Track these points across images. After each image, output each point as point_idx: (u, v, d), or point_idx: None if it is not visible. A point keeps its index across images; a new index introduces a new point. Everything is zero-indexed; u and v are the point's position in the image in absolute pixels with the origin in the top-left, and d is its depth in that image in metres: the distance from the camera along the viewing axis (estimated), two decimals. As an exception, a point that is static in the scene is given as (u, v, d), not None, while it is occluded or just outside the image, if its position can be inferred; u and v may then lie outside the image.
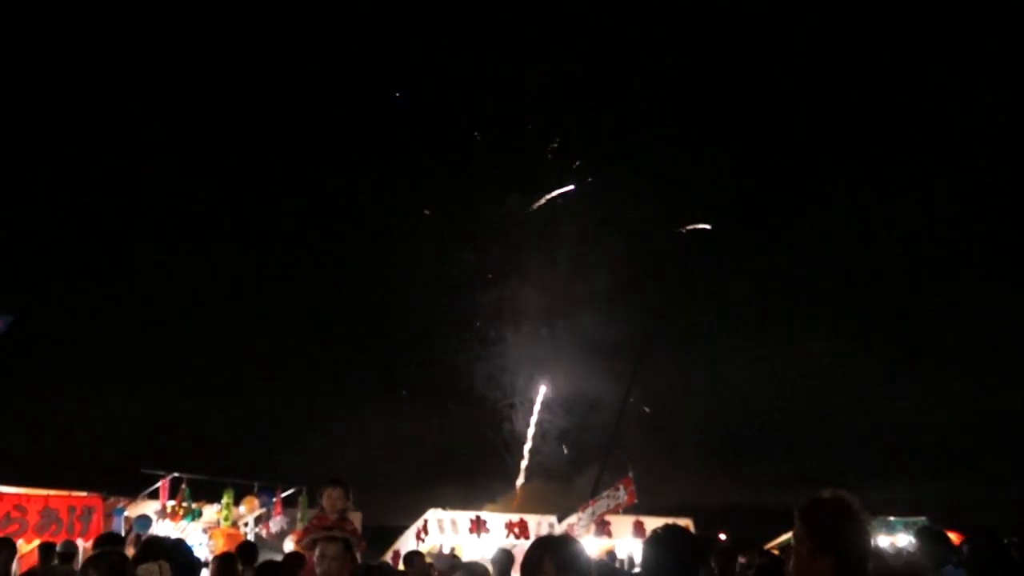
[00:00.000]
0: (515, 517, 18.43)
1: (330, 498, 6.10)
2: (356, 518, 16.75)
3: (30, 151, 35.00)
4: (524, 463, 34.90)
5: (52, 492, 13.26)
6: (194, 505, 15.35)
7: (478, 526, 17.35)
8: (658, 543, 3.13)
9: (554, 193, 35.49)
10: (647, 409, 33.52)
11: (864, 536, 2.50)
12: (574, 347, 36.22)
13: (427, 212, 35.52)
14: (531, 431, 35.65)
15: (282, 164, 39.65)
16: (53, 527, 12.61)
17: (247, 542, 10.71)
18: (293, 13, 41.78)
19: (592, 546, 16.94)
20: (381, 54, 43.75)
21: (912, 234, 38.20)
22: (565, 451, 35.47)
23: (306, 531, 6.06)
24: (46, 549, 9.63)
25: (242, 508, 15.95)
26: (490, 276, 36.97)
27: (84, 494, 13.62)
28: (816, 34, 40.88)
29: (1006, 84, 37.70)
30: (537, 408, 35.85)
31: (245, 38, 38.96)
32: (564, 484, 32.67)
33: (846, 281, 40.26)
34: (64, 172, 35.25)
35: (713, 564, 6.09)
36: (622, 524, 18.70)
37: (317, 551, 5.09)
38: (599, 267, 35.59)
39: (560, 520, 19.20)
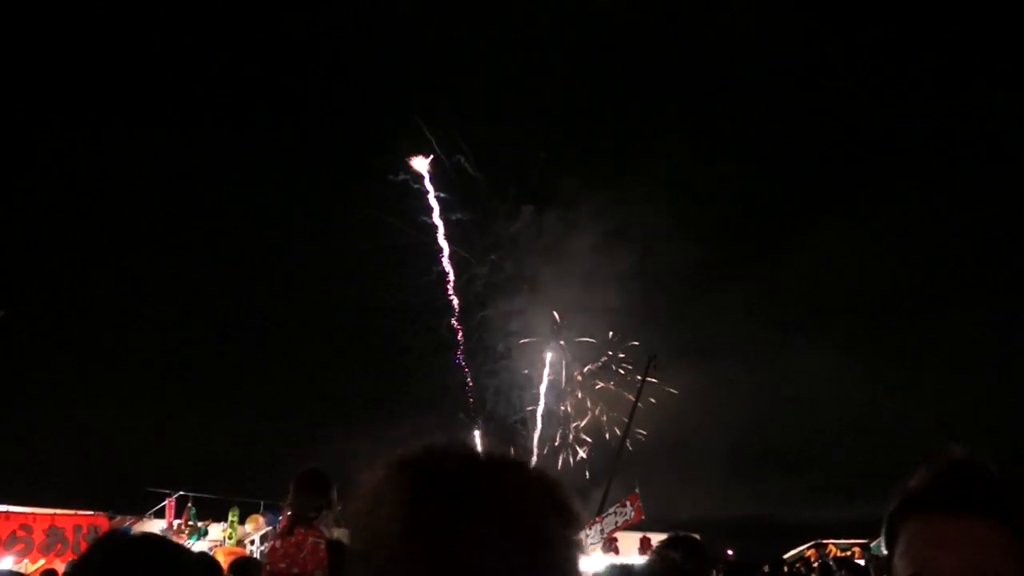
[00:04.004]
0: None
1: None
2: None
3: (28, 159, 35.09)
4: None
5: (58, 511, 13.26)
6: (200, 523, 15.35)
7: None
8: (665, 552, 3.13)
9: None
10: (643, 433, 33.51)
11: None
12: (583, 360, 36.33)
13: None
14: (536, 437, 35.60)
15: (285, 189, 39.85)
16: (59, 546, 12.59)
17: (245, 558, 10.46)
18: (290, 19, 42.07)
19: (600, 563, 16.83)
20: (382, 61, 43.98)
21: (926, 247, 38.15)
22: (577, 458, 35.42)
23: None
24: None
25: (248, 526, 15.92)
26: (499, 289, 37.10)
27: (90, 513, 13.62)
28: (834, 47, 40.98)
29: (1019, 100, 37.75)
30: (545, 421, 35.81)
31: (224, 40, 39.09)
32: (579, 498, 32.63)
33: (858, 296, 40.23)
34: (69, 183, 35.37)
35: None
36: (629, 540, 18.60)
37: None
38: (609, 280, 35.66)
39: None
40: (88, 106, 36.14)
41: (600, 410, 36.22)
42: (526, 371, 36.65)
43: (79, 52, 35.83)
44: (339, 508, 4.42)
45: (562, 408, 36.47)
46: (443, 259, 35.98)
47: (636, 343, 35.29)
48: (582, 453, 35.94)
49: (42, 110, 35.26)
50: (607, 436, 35.30)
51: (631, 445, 31.91)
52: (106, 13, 35.26)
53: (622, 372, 35.81)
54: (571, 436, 36.13)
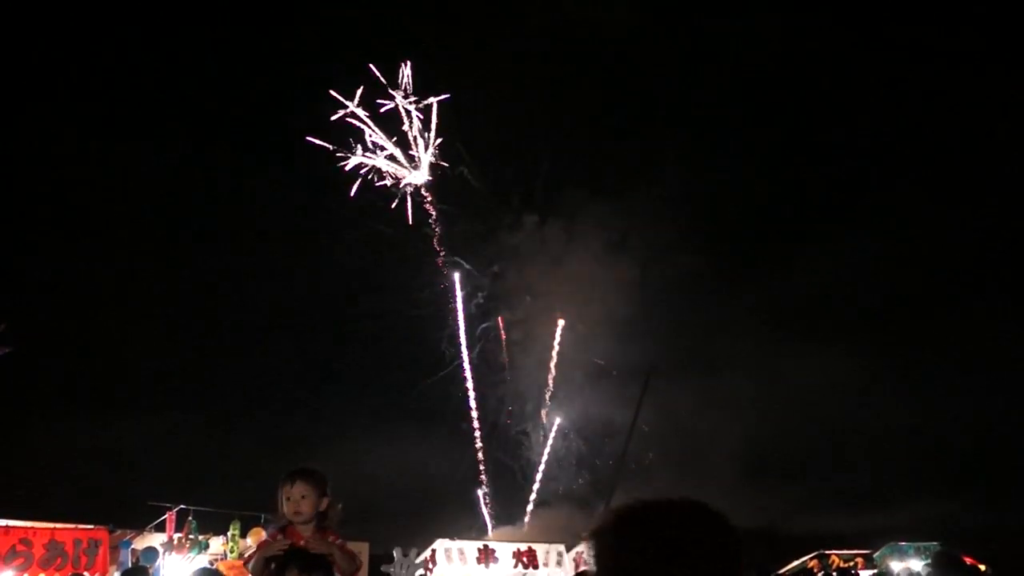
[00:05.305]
0: (523, 546, 18.27)
1: (293, 501, 3.82)
2: (362, 548, 16.61)
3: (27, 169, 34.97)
4: (536, 488, 34.80)
5: (58, 525, 13.17)
6: (201, 537, 15.26)
7: (486, 556, 17.21)
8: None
9: None
10: (645, 428, 33.48)
11: None
12: (586, 371, 36.27)
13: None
14: (544, 456, 35.52)
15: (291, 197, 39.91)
16: (59, 560, 12.52)
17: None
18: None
19: None
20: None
21: (935, 253, 38.03)
22: (580, 480, 35.39)
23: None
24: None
25: (249, 540, 15.84)
26: (501, 300, 37.06)
27: (90, 527, 13.52)
28: (839, 51, 40.92)
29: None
30: (552, 435, 35.73)
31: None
32: (583, 510, 32.56)
33: (864, 305, 40.10)
34: (69, 196, 35.36)
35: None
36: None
37: None
38: (612, 292, 35.62)
39: (568, 549, 19.00)
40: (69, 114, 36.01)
41: (603, 425, 36.16)
42: (529, 386, 36.63)
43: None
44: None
45: (563, 425, 36.45)
46: (444, 271, 36.05)
47: (640, 354, 35.27)
48: (586, 474, 35.90)
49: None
50: (609, 462, 35.32)
51: (632, 462, 31.94)
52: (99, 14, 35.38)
53: (625, 393, 35.73)
54: (574, 458, 36.10)
